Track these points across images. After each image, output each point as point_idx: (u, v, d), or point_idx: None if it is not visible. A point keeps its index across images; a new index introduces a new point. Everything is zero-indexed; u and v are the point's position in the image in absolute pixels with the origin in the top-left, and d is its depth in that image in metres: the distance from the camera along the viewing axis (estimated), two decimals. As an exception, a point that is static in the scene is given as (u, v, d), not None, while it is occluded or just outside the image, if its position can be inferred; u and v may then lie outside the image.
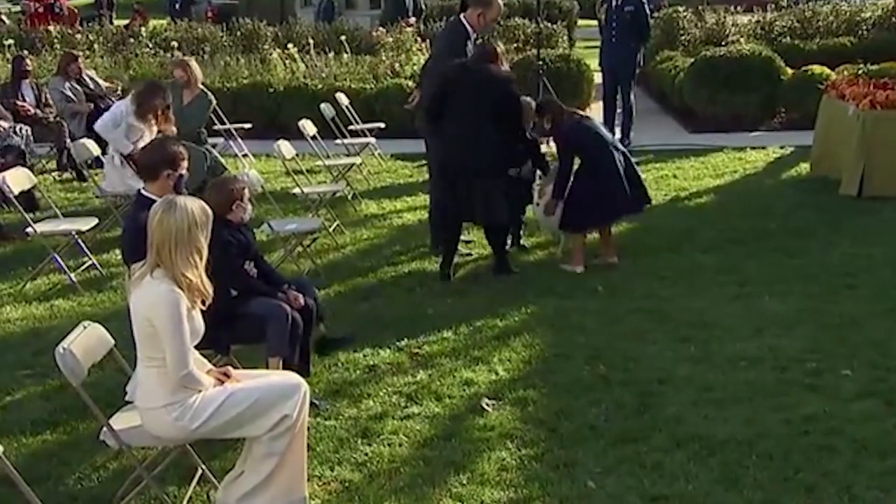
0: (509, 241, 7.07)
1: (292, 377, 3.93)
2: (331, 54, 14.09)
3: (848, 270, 6.63)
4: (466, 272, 6.94)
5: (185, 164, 4.75)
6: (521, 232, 7.45)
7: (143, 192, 4.73)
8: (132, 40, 15.79)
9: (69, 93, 10.38)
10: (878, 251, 7.03)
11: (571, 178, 6.75)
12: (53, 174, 10.41)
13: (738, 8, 16.78)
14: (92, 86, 10.85)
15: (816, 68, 11.78)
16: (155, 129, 7.77)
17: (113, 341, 3.91)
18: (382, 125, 10.94)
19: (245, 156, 10.63)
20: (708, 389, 4.86)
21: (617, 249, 7.05)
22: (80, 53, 12.00)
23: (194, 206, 3.68)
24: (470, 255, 7.26)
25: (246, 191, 4.90)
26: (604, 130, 7.07)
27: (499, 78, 6.65)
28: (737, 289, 6.38)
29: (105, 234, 7.88)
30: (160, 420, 3.65)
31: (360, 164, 9.75)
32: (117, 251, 6.66)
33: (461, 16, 7.18)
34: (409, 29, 15.03)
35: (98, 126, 8.04)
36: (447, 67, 6.76)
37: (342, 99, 10.89)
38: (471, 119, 6.47)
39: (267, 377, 3.97)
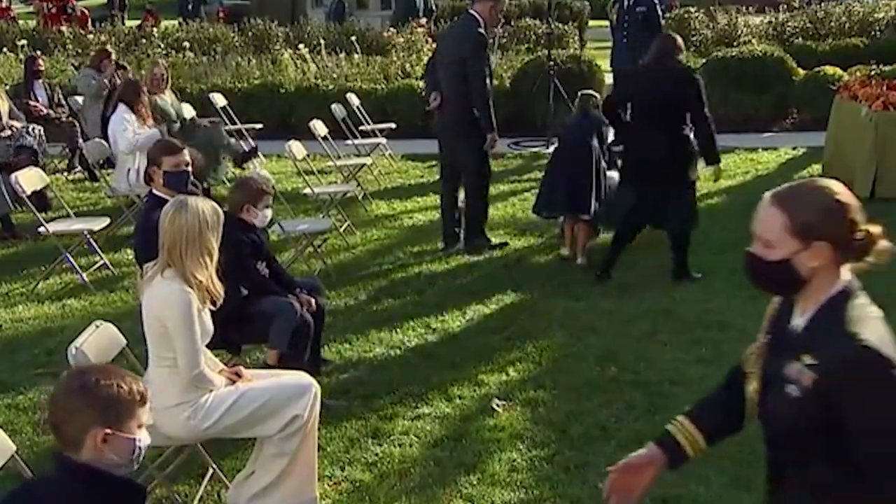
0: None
1: (304, 377, 3.93)
2: (342, 55, 14.11)
3: (862, 272, 6.57)
4: (479, 273, 6.92)
5: (171, 159, 4.74)
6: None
7: (154, 191, 4.74)
8: (144, 41, 15.86)
9: (98, 81, 10.25)
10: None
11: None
12: (66, 174, 10.44)
13: (750, 8, 16.75)
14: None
15: (829, 69, 11.73)
16: (149, 120, 7.93)
17: (125, 341, 3.92)
18: (393, 126, 10.95)
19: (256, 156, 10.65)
20: (720, 391, 4.83)
21: (587, 251, 6.97)
22: (112, 51, 11.74)
23: (206, 206, 3.69)
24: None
25: (268, 198, 4.86)
26: (594, 139, 6.96)
27: (673, 75, 6.29)
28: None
29: (117, 234, 7.91)
30: (172, 419, 3.65)
31: (371, 165, 9.75)
32: (129, 251, 6.69)
33: (470, 10, 7.20)
34: (419, 29, 15.06)
35: (128, 147, 7.89)
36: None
37: (353, 99, 10.91)
38: (643, 123, 6.41)
39: (278, 377, 3.97)
